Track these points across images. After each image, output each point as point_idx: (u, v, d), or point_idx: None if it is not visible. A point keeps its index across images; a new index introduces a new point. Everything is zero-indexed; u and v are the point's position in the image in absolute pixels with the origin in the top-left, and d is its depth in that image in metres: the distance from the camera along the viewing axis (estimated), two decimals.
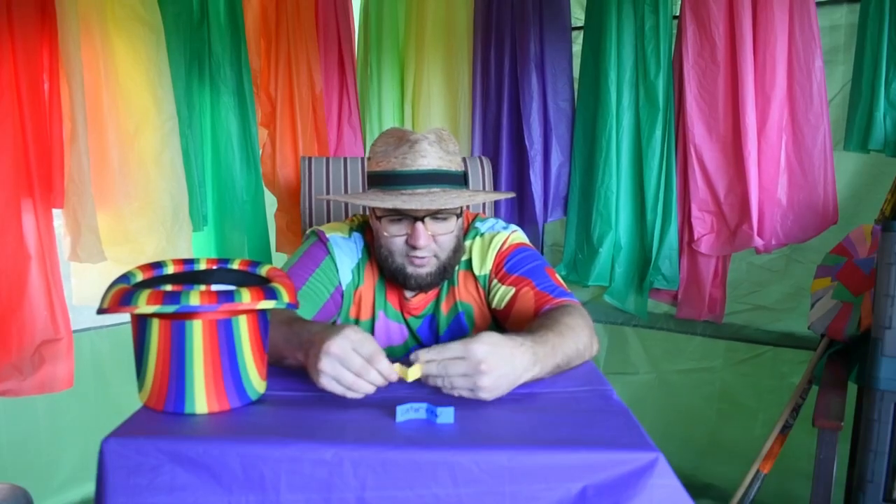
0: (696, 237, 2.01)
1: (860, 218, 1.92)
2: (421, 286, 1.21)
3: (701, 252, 2.02)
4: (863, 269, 1.66)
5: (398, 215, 1.16)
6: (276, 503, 0.73)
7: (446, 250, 1.19)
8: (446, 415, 0.82)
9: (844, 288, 1.68)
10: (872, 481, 1.38)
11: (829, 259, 1.75)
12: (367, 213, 1.29)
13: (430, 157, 1.15)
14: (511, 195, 1.28)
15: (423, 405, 0.83)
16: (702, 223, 2.01)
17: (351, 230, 1.32)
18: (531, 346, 0.94)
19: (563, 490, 0.73)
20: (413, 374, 0.88)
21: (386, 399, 0.88)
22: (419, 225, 1.14)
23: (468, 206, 1.39)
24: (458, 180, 1.19)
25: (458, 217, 1.19)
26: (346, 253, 1.28)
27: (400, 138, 1.17)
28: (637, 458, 0.73)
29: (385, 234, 1.18)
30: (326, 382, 0.88)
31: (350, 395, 0.88)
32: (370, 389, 0.88)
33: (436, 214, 1.16)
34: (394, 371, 0.88)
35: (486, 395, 0.88)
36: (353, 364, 0.87)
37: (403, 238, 1.17)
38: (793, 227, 1.89)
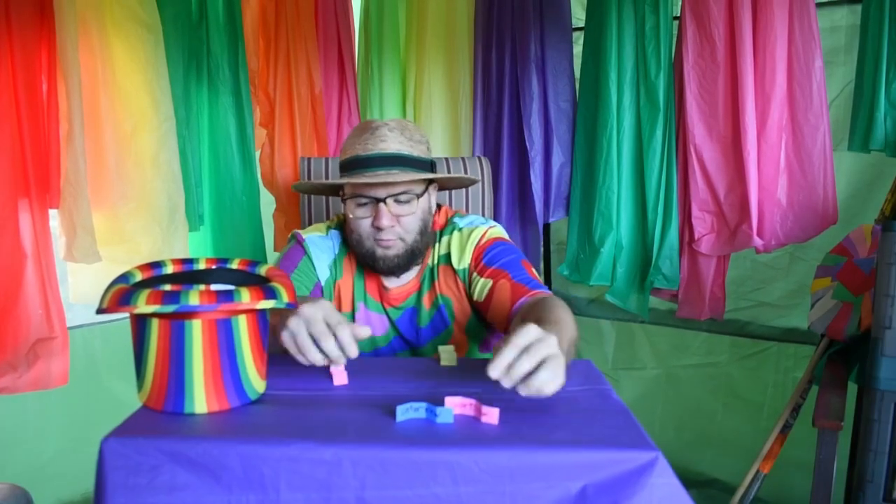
0: (696, 237, 2.01)
1: (860, 218, 1.92)
2: (391, 268, 1.26)
3: (701, 252, 2.02)
4: (863, 269, 1.66)
5: (363, 198, 1.22)
6: (275, 503, 0.72)
7: (411, 232, 1.24)
8: (446, 414, 0.82)
9: (844, 288, 1.68)
10: (872, 481, 1.38)
11: (829, 259, 1.75)
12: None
13: (389, 142, 1.21)
14: (474, 180, 1.35)
15: (423, 405, 0.83)
16: (702, 223, 2.01)
17: (329, 228, 1.38)
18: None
19: (562, 489, 0.72)
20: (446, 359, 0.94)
21: (386, 399, 0.88)
22: (382, 206, 1.20)
23: (464, 203, 1.39)
24: (423, 166, 1.24)
25: (419, 198, 1.24)
26: (322, 250, 1.34)
27: (363, 128, 1.24)
28: (637, 457, 0.73)
29: (351, 216, 1.25)
30: (285, 338, 0.91)
31: (301, 359, 0.91)
32: (316, 358, 0.90)
33: (397, 196, 1.22)
34: (353, 344, 0.90)
35: (560, 379, 0.79)
36: (315, 327, 0.90)
37: (369, 220, 1.23)
38: (793, 227, 1.89)
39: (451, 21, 2.32)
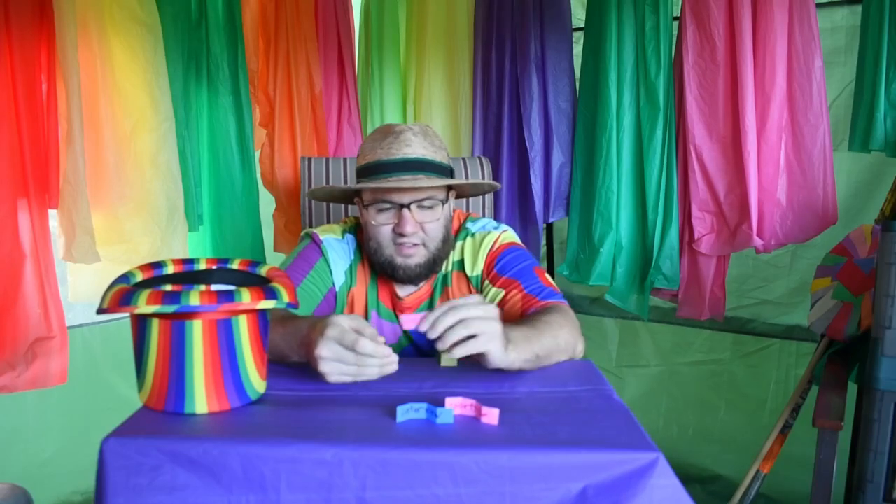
0: (696, 237, 2.01)
1: (860, 218, 1.92)
2: (410, 278, 1.22)
3: (701, 252, 2.02)
4: (863, 269, 1.66)
5: (385, 203, 1.18)
6: (276, 503, 0.73)
7: (434, 239, 1.21)
8: (446, 415, 0.82)
9: (844, 288, 1.68)
10: (872, 481, 1.38)
11: (829, 259, 1.75)
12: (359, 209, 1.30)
13: (414, 146, 1.18)
14: (496, 186, 1.30)
15: (423, 405, 0.83)
16: (702, 223, 2.01)
17: (344, 231, 1.33)
18: (506, 330, 0.96)
19: (563, 490, 0.72)
20: (446, 359, 0.93)
21: (386, 399, 0.88)
22: (406, 212, 1.16)
23: (463, 203, 1.39)
24: (444, 171, 1.21)
25: (443, 204, 1.21)
26: (339, 255, 1.30)
27: (385, 132, 1.20)
28: (637, 458, 0.73)
29: (373, 222, 1.20)
30: (335, 380, 0.91)
31: (362, 379, 0.91)
32: (374, 374, 0.90)
33: (422, 202, 1.18)
34: (380, 341, 0.90)
35: (497, 342, 0.91)
36: (348, 360, 0.89)
37: (391, 227, 1.19)
38: (792, 227, 1.89)
39: (451, 21, 2.32)
